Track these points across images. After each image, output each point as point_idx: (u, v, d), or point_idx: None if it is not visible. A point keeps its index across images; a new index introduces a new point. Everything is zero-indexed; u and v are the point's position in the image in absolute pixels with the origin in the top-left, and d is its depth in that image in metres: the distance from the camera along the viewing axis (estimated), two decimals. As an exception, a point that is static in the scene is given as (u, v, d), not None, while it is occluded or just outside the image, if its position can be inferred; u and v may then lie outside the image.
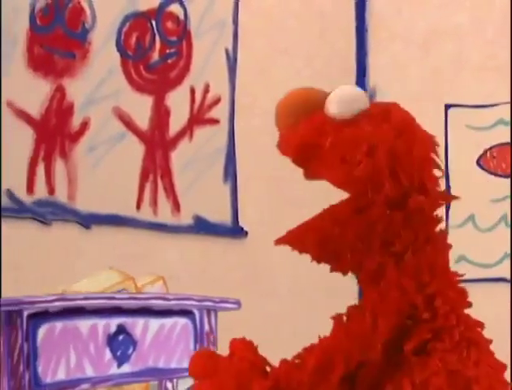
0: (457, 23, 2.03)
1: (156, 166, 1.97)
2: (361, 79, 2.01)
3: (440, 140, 1.86)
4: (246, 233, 1.96)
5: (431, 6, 2.04)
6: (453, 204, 1.92)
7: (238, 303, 0.88)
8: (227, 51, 1.98)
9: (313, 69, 2.01)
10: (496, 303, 1.98)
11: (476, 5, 2.04)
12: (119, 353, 0.79)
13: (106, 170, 1.95)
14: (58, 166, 1.93)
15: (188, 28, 1.97)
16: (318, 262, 0.80)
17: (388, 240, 0.76)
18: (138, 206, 1.95)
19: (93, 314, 0.79)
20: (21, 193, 1.92)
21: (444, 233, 0.79)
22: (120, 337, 0.80)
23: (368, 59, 2.01)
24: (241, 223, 1.98)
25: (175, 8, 1.97)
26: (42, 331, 0.76)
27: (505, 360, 0.77)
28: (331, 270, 0.80)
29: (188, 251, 1.97)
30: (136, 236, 1.94)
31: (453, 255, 2.07)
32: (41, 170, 1.93)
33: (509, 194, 2.04)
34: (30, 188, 1.92)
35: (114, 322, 0.80)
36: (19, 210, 1.91)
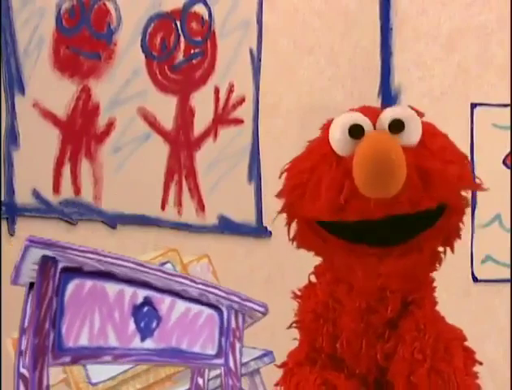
0: (482, 21, 2.01)
1: (181, 166, 1.97)
2: (385, 78, 2.00)
3: (466, 139, 1.85)
4: (270, 233, 1.96)
5: (455, 4, 2.03)
6: (480, 204, 1.91)
7: (265, 307, 0.89)
8: (251, 51, 1.98)
9: (337, 68, 2.01)
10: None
11: (501, 3, 2.02)
12: (142, 325, 0.79)
13: (131, 170, 1.95)
14: (84, 166, 1.94)
15: (213, 28, 1.97)
16: None
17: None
18: (163, 206, 1.96)
19: (122, 281, 0.78)
20: (47, 194, 1.93)
21: None
22: (145, 309, 0.79)
23: (393, 58, 2.01)
24: (265, 223, 1.98)
25: (199, 8, 1.97)
26: (71, 286, 0.75)
27: None
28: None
29: (213, 251, 1.97)
30: (160, 236, 1.95)
31: (479, 255, 2.05)
32: (67, 170, 1.94)
33: (535, 194, 2.02)
34: (56, 189, 1.94)
35: (141, 294, 0.80)
36: (46, 211, 1.93)
